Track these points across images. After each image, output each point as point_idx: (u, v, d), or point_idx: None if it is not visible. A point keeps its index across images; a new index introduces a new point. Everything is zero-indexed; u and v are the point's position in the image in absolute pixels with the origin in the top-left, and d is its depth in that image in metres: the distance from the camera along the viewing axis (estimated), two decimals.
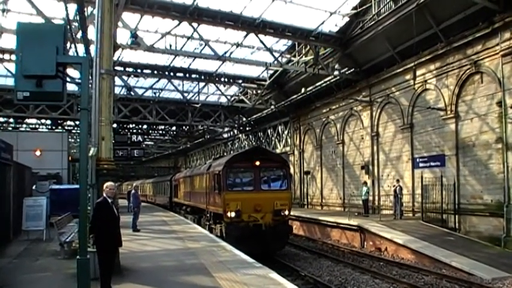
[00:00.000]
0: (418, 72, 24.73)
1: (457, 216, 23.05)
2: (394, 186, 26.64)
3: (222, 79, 37.93)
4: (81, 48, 21.30)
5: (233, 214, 19.39)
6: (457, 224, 22.98)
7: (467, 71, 22.64)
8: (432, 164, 25.22)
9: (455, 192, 23.09)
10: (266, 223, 19.50)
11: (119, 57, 28.97)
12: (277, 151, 43.29)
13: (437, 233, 21.70)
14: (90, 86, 10.90)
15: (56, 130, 47.19)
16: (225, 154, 44.23)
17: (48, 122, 48.00)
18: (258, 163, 20.36)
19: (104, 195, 9.90)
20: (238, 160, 21.15)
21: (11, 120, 46.57)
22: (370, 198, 29.52)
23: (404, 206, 26.51)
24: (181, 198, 34.57)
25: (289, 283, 10.79)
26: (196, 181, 27.38)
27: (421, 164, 26.15)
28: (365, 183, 29.35)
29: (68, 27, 16.79)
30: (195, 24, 25.53)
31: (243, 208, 19.46)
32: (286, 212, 20.47)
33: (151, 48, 25.88)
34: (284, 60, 33.00)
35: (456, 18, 22.45)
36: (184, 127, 54.58)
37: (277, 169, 21.44)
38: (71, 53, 18.86)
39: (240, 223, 19.37)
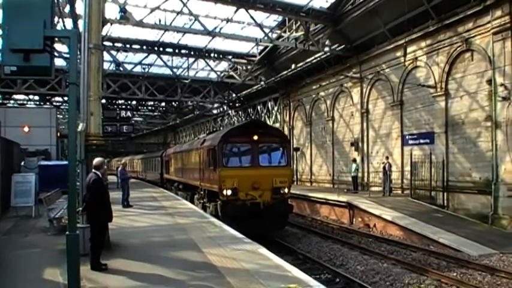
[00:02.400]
0: (409, 50, 24.73)
1: (445, 193, 23.25)
2: (383, 163, 26.73)
3: (212, 55, 37.69)
4: (69, 23, 21.08)
5: (229, 192, 18.33)
6: (445, 201, 23.18)
7: (458, 49, 22.61)
8: (421, 141, 25.30)
9: (444, 170, 23.24)
10: (265, 201, 18.46)
11: (108, 32, 28.71)
12: None
13: (425, 210, 21.89)
14: (78, 60, 10.78)
15: (44, 106, 46.71)
16: (215, 130, 43.81)
17: (36, 97, 47.54)
18: (256, 137, 19.11)
19: (95, 171, 9.89)
20: (235, 134, 19.88)
21: None
22: (360, 175, 29.67)
23: (393, 183, 26.65)
24: (173, 175, 33.82)
25: (278, 258, 10.85)
26: (190, 157, 26.32)
27: (410, 141, 26.22)
28: (354, 160, 29.46)
29: (56, 1, 16.56)
30: None
31: (239, 185, 18.43)
32: (286, 190, 19.40)
33: (140, 23, 25.64)
34: (274, 36, 32.83)
35: None
36: (173, 103, 54.29)
37: (277, 144, 20.19)
38: (59, 27, 18.65)
39: (237, 201, 18.35)
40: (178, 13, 27.82)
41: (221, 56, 38.50)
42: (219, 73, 41.75)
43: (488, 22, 20.69)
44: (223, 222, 16.60)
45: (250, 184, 18.52)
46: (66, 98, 41.86)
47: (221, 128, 45.95)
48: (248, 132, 19.38)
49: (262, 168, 19.13)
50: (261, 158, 19.49)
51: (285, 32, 32.07)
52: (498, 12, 20.15)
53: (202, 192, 22.62)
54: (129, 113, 54.79)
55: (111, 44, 33.32)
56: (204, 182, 21.70)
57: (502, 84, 19.88)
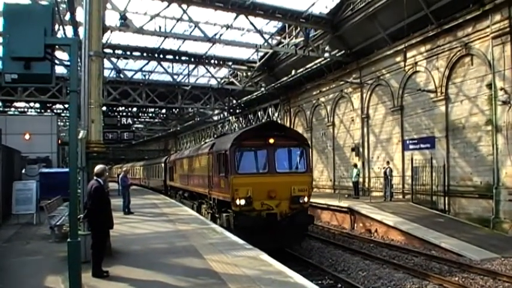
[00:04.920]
0: (409, 54, 24.78)
1: (446, 198, 23.23)
2: (384, 168, 26.77)
3: (212, 61, 37.83)
4: (69, 31, 21.13)
5: (243, 202, 16.23)
6: (446, 206, 23.16)
7: (458, 53, 22.65)
8: (422, 146, 25.31)
9: (445, 174, 23.23)
10: (282, 212, 16.50)
11: (108, 39, 28.79)
12: None
13: (427, 215, 21.90)
14: (79, 68, 10.81)
15: (45, 113, 46.79)
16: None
17: (37, 105, 47.64)
18: (272, 140, 16.98)
19: (96, 178, 9.91)
20: (248, 137, 17.57)
21: None
22: (361, 180, 29.66)
23: (395, 187, 26.65)
24: (178, 182, 31.73)
25: (280, 264, 10.80)
26: (197, 162, 24.08)
27: (411, 146, 26.23)
28: (355, 165, 29.44)
29: (56, 8, 16.61)
30: (184, 6, 25.37)
31: (254, 194, 16.33)
32: (306, 199, 17.30)
33: (140, 30, 25.69)
34: (274, 42, 32.91)
35: (447, 0, 22.38)
36: (174, 110, 54.37)
37: (295, 147, 17.91)
38: (59, 35, 18.70)
39: (251, 212, 16.31)
40: (178, 20, 27.93)
41: (221, 63, 38.60)
42: (219, 79, 41.85)
43: (488, 26, 20.75)
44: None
45: (266, 193, 16.51)
46: (67, 106, 42.07)
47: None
48: (263, 135, 17.27)
49: (280, 175, 17.03)
50: (278, 163, 17.23)
51: (284, 38, 32.15)
52: (497, 17, 20.21)
53: (211, 202, 20.49)
54: (129, 120, 54.79)
55: (111, 51, 33.43)
56: (214, 191, 19.60)
57: (502, 88, 19.92)
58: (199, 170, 23.08)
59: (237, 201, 16.30)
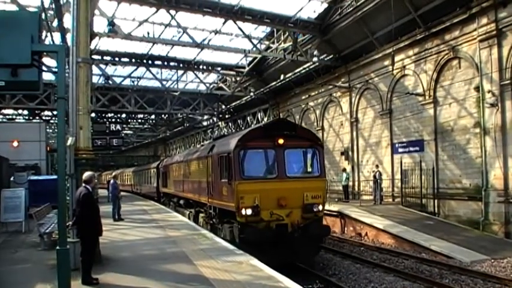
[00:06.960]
0: (397, 58, 24.86)
1: (436, 200, 23.34)
2: (373, 171, 26.83)
3: (201, 67, 37.80)
4: (57, 37, 21.03)
5: (249, 211, 14.36)
6: (436, 208, 23.26)
7: (446, 57, 22.80)
8: (411, 149, 25.43)
9: (434, 177, 23.33)
10: (293, 222, 14.65)
11: (96, 45, 28.67)
12: None
13: (416, 218, 21.94)
14: (67, 75, 10.75)
15: (34, 120, 46.59)
16: (205, 141, 42.53)
17: (25, 112, 47.41)
18: (281, 141, 15.09)
19: (85, 185, 9.85)
20: (255, 137, 15.47)
21: None
22: (350, 183, 29.68)
23: (384, 191, 26.73)
24: (172, 189, 29.37)
25: (270, 269, 10.78)
26: (194, 167, 21.91)
27: (400, 149, 26.33)
28: (344, 169, 29.46)
29: (44, 15, 16.53)
30: (172, 12, 25.33)
31: (262, 203, 14.46)
32: (320, 207, 15.52)
33: (128, 36, 25.63)
34: (263, 47, 32.89)
35: (434, 3, 22.54)
36: (163, 115, 54.29)
37: (308, 148, 16.00)
38: (47, 42, 18.60)
39: (259, 223, 14.50)
40: (166, 26, 27.87)
41: (210, 68, 38.59)
42: (208, 85, 41.79)
43: (475, 30, 20.92)
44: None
45: (275, 201, 14.67)
46: (55, 112, 41.79)
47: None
48: (271, 135, 15.27)
49: (290, 180, 15.14)
50: (289, 166, 15.34)
51: (273, 42, 32.15)
52: (484, 20, 20.37)
53: (211, 211, 18.43)
54: (118, 126, 54.56)
55: (99, 57, 33.30)
56: (214, 199, 17.48)
57: (489, 91, 20.07)
58: (197, 175, 20.93)
59: (243, 211, 14.47)
